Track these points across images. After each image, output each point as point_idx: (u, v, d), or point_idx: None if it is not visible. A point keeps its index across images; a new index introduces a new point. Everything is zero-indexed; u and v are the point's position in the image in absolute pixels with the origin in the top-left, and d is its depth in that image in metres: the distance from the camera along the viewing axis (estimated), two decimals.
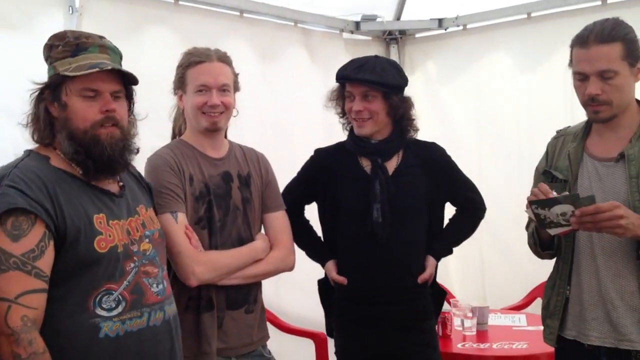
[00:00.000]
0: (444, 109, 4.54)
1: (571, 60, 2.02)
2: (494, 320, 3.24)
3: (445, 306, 2.84)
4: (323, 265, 2.54)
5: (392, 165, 2.45)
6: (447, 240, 2.57)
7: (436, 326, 2.63)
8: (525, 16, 4.08)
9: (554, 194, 1.93)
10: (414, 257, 2.44)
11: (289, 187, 2.59)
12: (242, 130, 3.75)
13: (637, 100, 2.05)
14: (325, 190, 2.49)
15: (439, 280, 3.98)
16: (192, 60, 2.17)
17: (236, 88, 2.25)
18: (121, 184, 1.85)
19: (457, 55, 4.45)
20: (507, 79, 4.23)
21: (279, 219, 2.31)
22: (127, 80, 1.81)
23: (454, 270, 4.49)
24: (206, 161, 2.19)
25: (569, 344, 2.07)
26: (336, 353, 2.55)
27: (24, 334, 1.55)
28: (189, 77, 2.17)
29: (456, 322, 3.09)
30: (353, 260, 2.44)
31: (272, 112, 4.03)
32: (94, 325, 1.66)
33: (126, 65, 3.21)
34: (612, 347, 1.96)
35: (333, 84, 2.75)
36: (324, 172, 2.50)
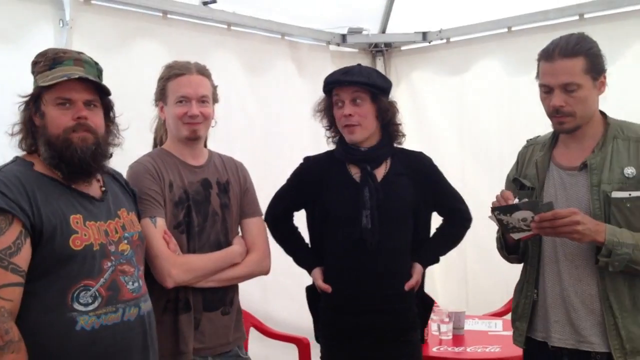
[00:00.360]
0: (428, 120, 4.64)
1: (538, 73, 2.12)
2: (471, 325, 3.32)
3: None
4: (310, 272, 2.56)
5: (380, 172, 2.47)
6: (434, 248, 2.59)
7: (423, 335, 2.64)
8: (506, 30, 4.20)
9: (516, 200, 2.03)
10: (401, 264, 2.45)
11: (278, 195, 2.64)
12: (231, 140, 3.87)
13: (600, 112, 2.14)
14: (314, 197, 2.51)
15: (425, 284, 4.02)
16: (173, 72, 2.27)
17: (215, 99, 2.34)
18: (104, 189, 1.96)
19: (441, 67, 4.57)
20: (489, 90, 4.34)
21: (256, 225, 2.41)
22: (102, 92, 1.92)
23: (438, 278, 4.58)
24: (186, 169, 2.28)
25: (537, 345, 2.16)
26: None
27: (1, 324, 1.66)
28: (169, 89, 2.27)
29: (433, 327, 3.17)
30: (340, 268, 2.45)
31: (261, 123, 4.12)
32: (70, 319, 1.77)
33: (115, 77, 3.27)
34: (573, 348, 2.05)
35: (320, 94, 2.71)
36: (312, 179, 2.53)
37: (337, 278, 2.45)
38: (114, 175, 2.07)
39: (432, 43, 4.59)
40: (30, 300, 1.74)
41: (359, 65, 2.53)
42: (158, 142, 2.40)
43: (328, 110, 2.52)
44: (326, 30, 4.46)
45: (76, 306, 1.78)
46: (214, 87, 2.35)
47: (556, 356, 2.09)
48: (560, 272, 2.08)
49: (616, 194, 1.98)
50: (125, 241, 1.92)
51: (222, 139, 3.77)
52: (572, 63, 2.00)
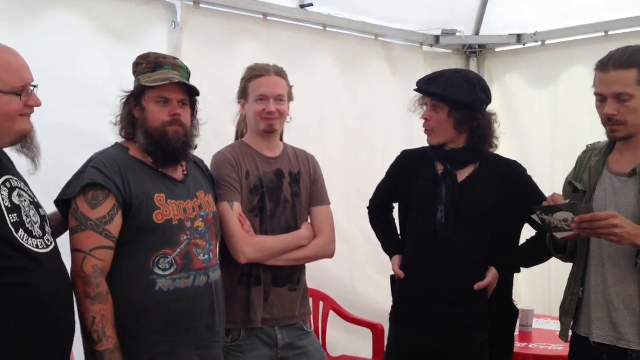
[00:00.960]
0: (520, 122, 4.68)
1: (594, 83, 2.22)
2: (542, 324, 3.40)
3: None
4: (391, 258, 2.69)
5: (464, 174, 2.53)
6: (516, 258, 2.59)
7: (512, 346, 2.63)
8: (603, 34, 4.19)
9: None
10: (471, 263, 2.48)
11: (378, 186, 2.82)
12: (324, 136, 4.14)
13: None
14: (404, 189, 2.64)
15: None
16: (254, 74, 2.56)
17: (290, 98, 2.60)
18: (186, 173, 2.29)
19: (535, 70, 4.60)
20: (584, 95, 4.25)
21: (324, 212, 2.66)
22: (191, 92, 2.24)
23: (522, 280, 4.63)
24: (262, 160, 2.56)
25: (581, 341, 2.26)
26: (387, 346, 2.67)
27: (94, 279, 2.02)
28: (251, 88, 2.55)
29: None
30: (414, 257, 2.57)
31: (354, 120, 4.33)
32: (151, 280, 2.11)
33: (219, 73, 3.65)
34: (612, 345, 2.15)
35: (413, 94, 2.71)
36: (405, 172, 2.66)
37: (411, 266, 2.58)
38: (197, 162, 2.40)
39: (526, 45, 4.63)
40: (120, 263, 2.09)
41: (455, 71, 2.58)
42: (239, 134, 2.69)
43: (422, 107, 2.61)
44: (419, 31, 4.61)
45: (156, 270, 2.12)
46: (290, 87, 2.61)
47: (597, 351, 2.18)
48: (605, 272, 2.17)
49: None
50: (201, 219, 2.24)
51: (315, 134, 4.09)
52: (625, 74, 2.09)
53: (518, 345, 3.10)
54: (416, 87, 2.58)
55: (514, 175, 2.58)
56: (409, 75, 4.55)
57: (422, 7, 4.46)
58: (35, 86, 1.89)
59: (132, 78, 2.41)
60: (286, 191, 2.56)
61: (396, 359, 2.60)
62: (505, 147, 5.04)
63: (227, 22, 3.77)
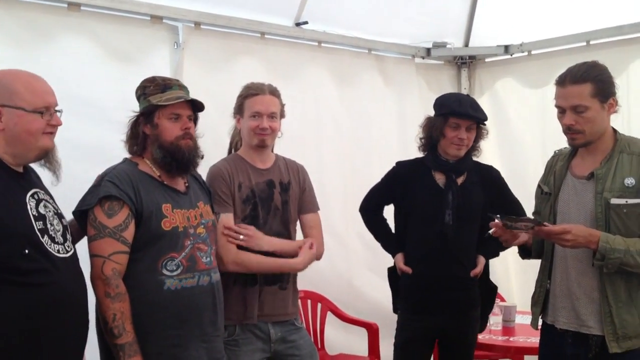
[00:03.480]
0: (510, 129, 4.87)
1: (555, 96, 2.43)
2: (526, 320, 3.56)
3: None
4: (393, 256, 3.10)
5: (459, 181, 3.00)
6: (496, 245, 2.89)
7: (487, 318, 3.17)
8: (585, 44, 4.40)
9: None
10: (469, 255, 2.99)
11: (372, 190, 3.20)
12: (322, 146, 4.34)
13: (613, 128, 2.41)
14: (401, 196, 3.04)
15: (501, 284, 4.26)
16: (250, 92, 2.77)
17: (282, 115, 2.81)
18: (187, 185, 2.51)
19: (523, 79, 4.81)
20: None
21: (313, 219, 2.88)
22: (196, 109, 2.47)
23: (514, 278, 4.82)
24: (254, 171, 2.76)
25: (548, 328, 2.50)
26: (398, 329, 3.07)
27: (113, 280, 2.24)
28: (246, 105, 2.76)
29: None
30: (421, 254, 2.98)
31: (350, 130, 4.54)
32: (160, 281, 2.33)
33: (219, 90, 3.85)
34: (575, 331, 2.37)
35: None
36: (402, 181, 3.05)
37: (418, 263, 3.00)
38: (195, 176, 2.61)
39: (514, 55, 4.84)
40: (133, 266, 2.32)
41: (468, 95, 3.10)
42: (233, 146, 2.91)
43: (440, 128, 2.95)
44: (411, 44, 4.81)
45: (164, 272, 2.34)
46: (282, 105, 2.81)
47: (563, 337, 2.42)
48: (568, 266, 2.39)
49: (615, 201, 2.27)
50: (202, 226, 2.46)
51: (313, 145, 4.30)
52: (580, 88, 2.31)
53: (499, 339, 3.33)
54: (455, 114, 2.90)
55: (495, 179, 3.13)
56: (402, 86, 4.79)
57: (412, 21, 4.66)
58: (59, 110, 2.11)
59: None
60: (277, 200, 2.77)
61: (407, 340, 3.02)
62: (497, 153, 5.24)
63: (226, 41, 3.98)
